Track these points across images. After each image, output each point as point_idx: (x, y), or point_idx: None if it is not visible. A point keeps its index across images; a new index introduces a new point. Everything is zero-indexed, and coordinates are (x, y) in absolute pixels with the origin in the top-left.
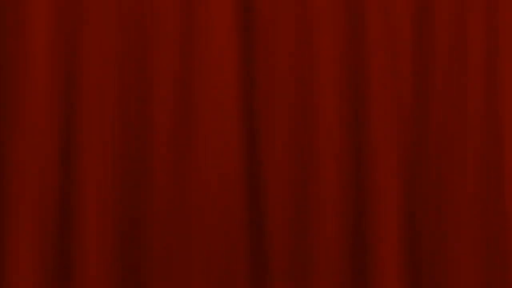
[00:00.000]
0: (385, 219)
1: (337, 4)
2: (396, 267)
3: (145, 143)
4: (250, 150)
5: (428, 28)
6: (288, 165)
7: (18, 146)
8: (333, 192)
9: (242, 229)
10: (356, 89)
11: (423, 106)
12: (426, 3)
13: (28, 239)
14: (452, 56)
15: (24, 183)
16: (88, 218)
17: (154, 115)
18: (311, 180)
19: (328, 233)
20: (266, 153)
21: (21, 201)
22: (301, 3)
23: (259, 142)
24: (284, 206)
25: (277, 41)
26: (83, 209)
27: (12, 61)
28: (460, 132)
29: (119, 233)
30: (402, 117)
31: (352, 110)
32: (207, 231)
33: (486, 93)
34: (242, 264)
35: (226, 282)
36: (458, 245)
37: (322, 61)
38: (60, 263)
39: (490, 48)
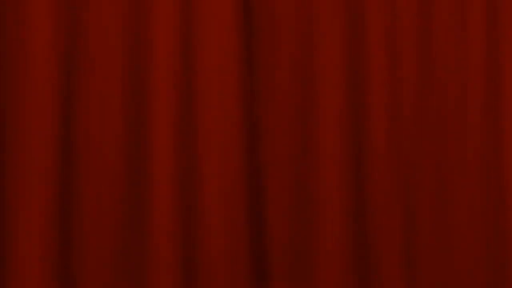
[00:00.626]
0: (385, 219)
1: (337, 4)
2: (397, 267)
3: (146, 143)
4: (250, 150)
5: (428, 28)
6: (288, 165)
7: (19, 146)
8: (333, 193)
9: (243, 229)
10: (356, 89)
11: (423, 106)
12: (427, 3)
13: (29, 239)
14: (452, 56)
15: (25, 183)
16: (89, 218)
17: (155, 115)
18: (311, 181)
19: (328, 233)
20: (266, 153)
21: (22, 201)
22: (301, 3)
23: (259, 142)
24: (284, 207)
25: (277, 41)
26: (83, 209)
27: (12, 61)
28: (460, 132)
29: (120, 233)
30: (402, 117)
31: (353, 110)
32: (207, 231)
33: (486, 92)
34: (243, 264)
35: (227, 283)
36: (458, 245)
37: (322, 61)
38: (61, 263)
39: (490, 48)
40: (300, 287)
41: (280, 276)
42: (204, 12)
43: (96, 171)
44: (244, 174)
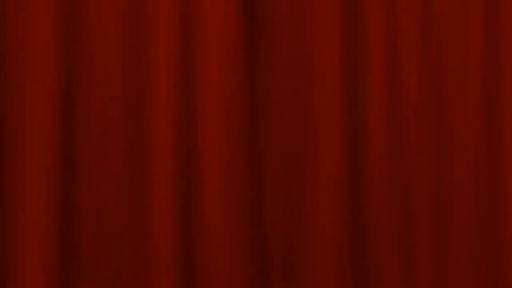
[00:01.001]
0: (385, 219)
1: (337, 4)
2: (397, 267)
3: (146, 143)
4: (250, 150)
5: (428, 28)
6: (288, 165)
7: (19, 146)
8: (333, 193)
9: (243, 229)
10: (356, 89)
11: (423, 106)
12: (427, 3)
13: (29, 239)
14: (452, 56)
15: (25, 183)
16: (89, 218)
17: (155, 115)
18: (311, 181)
19: (328, 234)
20: (267, 153)
21: (22, 201)
22: (302, 3)
23: (259, 142)
24: (284, 207)
25: (277, 41)
26: (84, 209)
27: (12, 61)
28: (460, 132)
29: (120, 233)
30: (402, 117)
31: (353, 110)
32: (207, 231)
33: (486, 92)
34: (243, 264)
35: (227, 283)
36: (458, 245)
37: (322, 61)
38: (61, 263)
39: (490, 48)
40: (300, 287)
41: (280, 277)
42: (204, 12)
43: (96, 171)
44: (244, 174)
